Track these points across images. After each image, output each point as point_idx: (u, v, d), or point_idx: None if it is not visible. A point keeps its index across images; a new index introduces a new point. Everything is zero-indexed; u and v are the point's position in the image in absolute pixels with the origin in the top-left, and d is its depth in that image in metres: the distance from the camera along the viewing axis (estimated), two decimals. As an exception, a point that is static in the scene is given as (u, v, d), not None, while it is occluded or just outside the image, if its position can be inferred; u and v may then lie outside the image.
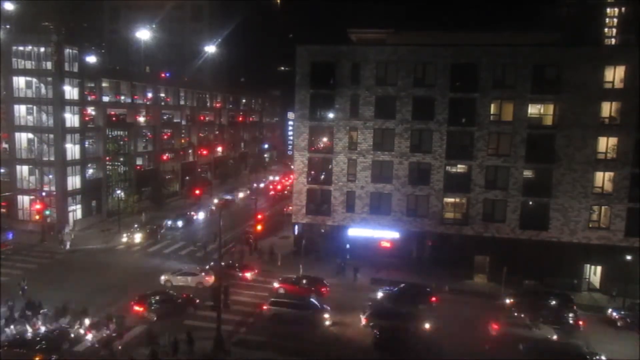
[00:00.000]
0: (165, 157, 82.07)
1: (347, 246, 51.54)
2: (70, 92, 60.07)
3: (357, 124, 50.98)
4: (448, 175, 49.91)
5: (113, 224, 61.85)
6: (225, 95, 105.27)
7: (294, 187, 54.27)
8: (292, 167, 61.69)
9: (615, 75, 46.30)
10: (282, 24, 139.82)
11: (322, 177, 53.22)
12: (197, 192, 79.46)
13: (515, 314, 40.60)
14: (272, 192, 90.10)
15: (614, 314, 41.10)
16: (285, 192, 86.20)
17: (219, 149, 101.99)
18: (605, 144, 46.99)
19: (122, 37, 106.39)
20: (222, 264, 42.63)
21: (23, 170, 61.01)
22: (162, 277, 44.70)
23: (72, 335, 33.34)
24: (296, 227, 54.65)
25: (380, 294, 42.99)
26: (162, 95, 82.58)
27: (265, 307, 38.82)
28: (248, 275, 46.84)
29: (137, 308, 37.53)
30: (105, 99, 68.01)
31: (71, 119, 60.47)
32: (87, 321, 34.61)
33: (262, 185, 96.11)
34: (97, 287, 42.76)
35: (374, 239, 51.50)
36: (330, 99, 51.25)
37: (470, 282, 48.49)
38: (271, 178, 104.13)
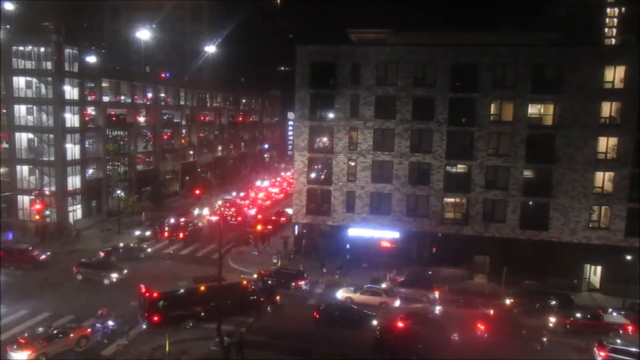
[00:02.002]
0: (165, 157, 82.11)
1: (347, 246, 51.55)
2: (70, 92, 60.06)
3: (357, 124, 50.97)
4: (448, 175, 49.90)
5: (113, 224, 61.86)
6: (225, 95, 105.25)
7: (294, 187, 54.29)
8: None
9: (615, 75, 46.28)
10: (282, 24, 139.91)
11: (322, 177, 53.23)
12: (197, 192, 79.39)
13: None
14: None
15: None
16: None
17: (219, 149, 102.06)
18: (605, 144, 46.96)
19: (122, 37, 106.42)
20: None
21: (23, 170, 60.99)
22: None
23: None
24: (296, 227, 54.67)
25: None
26: (162, 95, 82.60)
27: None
28: None
29: None
30: (105, 99, 68.05)
31: (71, 119, 60.46)
32: None
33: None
34: (98, 287, 42.82)
35: (374, 239, 51.49)
36: (330, 99, 51.24)
37: (470, 282, 48.49)
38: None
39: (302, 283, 44.45)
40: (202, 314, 36.35)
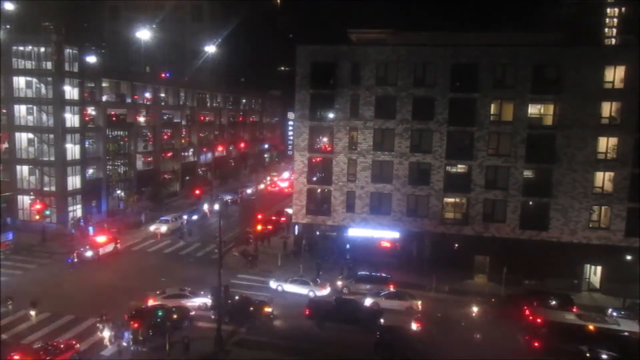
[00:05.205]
0: (165, 157, 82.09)
1: (347, 246, 51.55)
2: (70, 92, 60.06)
3: (357, 124, 50.98)
4: (448, 175, 49.91)
5: (113, 224, 61.79)
6: (225, 95, 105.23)
7: (294, 187, 54.30)
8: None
9: (615, 75, 46.30)
10: (282, 24, 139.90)
11: (322, 177, 53.22)
12: (197, 192, 79.37)
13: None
14: None
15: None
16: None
17: (219, 149, 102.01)
18: (605, 144, 46.98)
19: (122, 37, 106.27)
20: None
21: (23, 170, 61.01)
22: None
23: None
24: (296, 227, 54.68)
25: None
26: (162, 95, 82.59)
27: None
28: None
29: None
30: (105, 99, 67.98)
31: (71, 119, 60.44)
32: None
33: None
34: (98, 287, 42.85)
35: (374, 239, 51.50)
36: (330, 99, 51.24)
37: (470, 282, 48.51)
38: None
39: None
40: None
